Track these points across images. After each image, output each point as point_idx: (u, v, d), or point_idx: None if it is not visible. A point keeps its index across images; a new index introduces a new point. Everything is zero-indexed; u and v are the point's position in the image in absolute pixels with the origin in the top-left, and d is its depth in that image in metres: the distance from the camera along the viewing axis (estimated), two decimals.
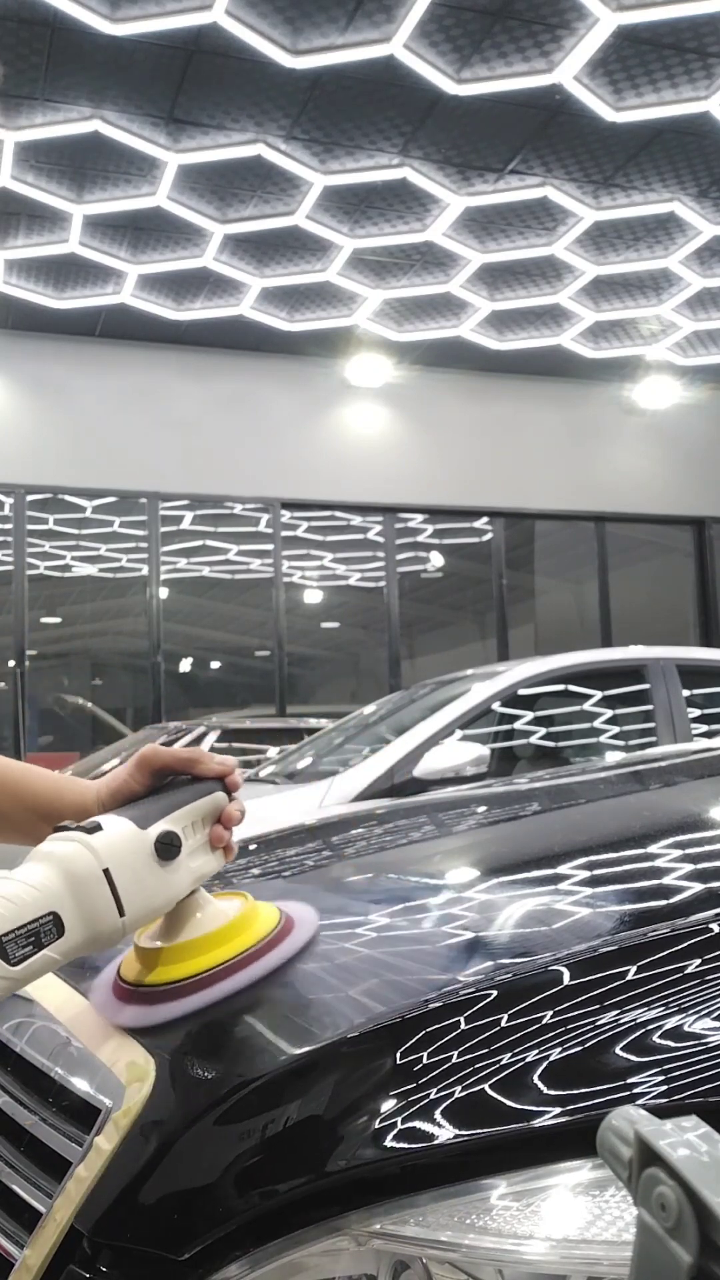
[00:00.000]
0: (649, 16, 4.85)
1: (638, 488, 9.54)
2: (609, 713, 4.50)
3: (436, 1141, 0.67)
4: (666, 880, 0.99)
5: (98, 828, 0.80)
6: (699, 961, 0.77)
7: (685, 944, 0.78)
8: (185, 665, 8.91)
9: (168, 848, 0.82)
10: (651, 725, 4.33)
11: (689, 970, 0.76)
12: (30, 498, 8.06)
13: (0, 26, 4.82)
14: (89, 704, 8.62)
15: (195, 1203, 0.67)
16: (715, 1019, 0.72)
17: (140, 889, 0.80)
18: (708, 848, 1.11)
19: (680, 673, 4.42)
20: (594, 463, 9.44)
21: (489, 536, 9.34)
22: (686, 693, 4.39)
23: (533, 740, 4.52)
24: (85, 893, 0.76)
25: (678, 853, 1.09)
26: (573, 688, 4.42)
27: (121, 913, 0.78)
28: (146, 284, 7.34)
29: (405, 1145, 0.67)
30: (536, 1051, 0.70)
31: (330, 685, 10.03)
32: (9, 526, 8.00)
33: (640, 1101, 0.67)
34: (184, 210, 6.36)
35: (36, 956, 0.73)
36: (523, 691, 4.23)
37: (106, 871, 0.78)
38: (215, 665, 9.30)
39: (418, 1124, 0.68)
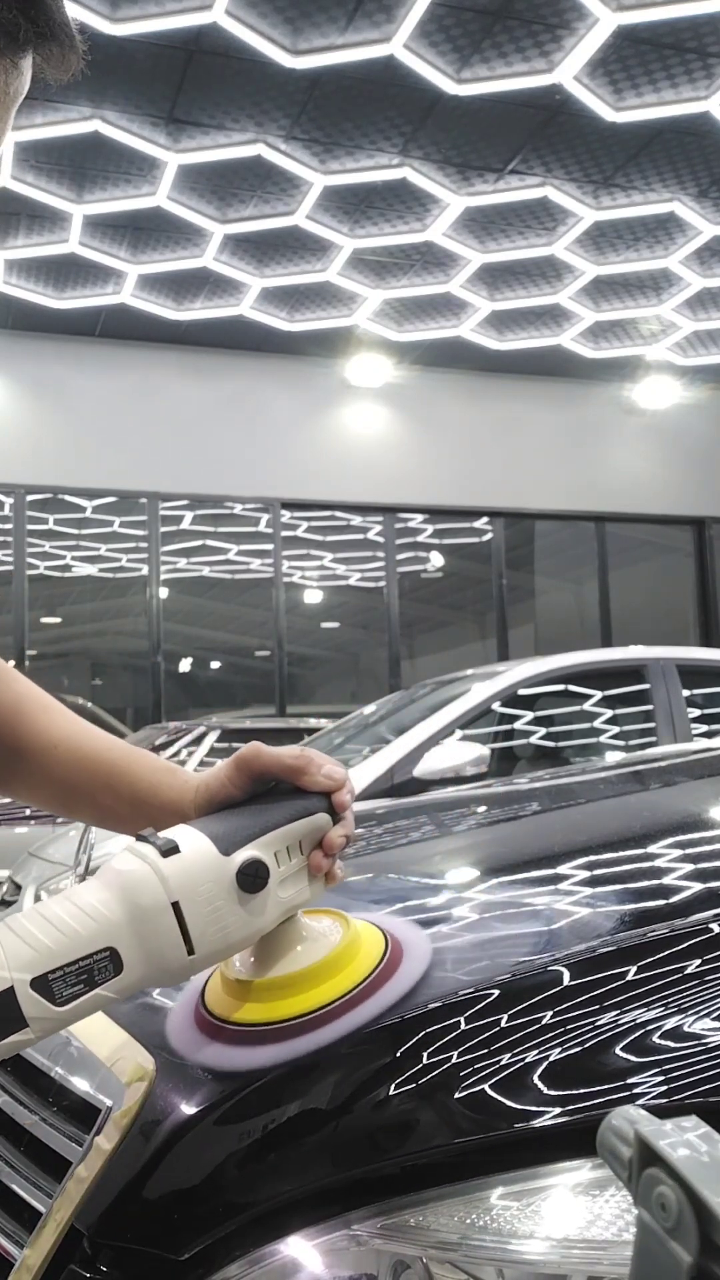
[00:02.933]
0: (649, 16, 4.85)
1: (638, 488, 9.54)
2: (609, 713, 4.51)
3: (436, 1141, 0.67)
4: (666, 880, 0.99)
5: (174, 849, 0.70)
6: (699, 961, 0.77)
7: (685, 944, 0.78)
8: (185, 665, 8.91)
9: (252, 880, 0.72)
10: (651, 725, 4.33)
11: (689, 970, 0.76)
12: (30, 498, 8.06)
13: None
14: (89, 704, 8.61)
15: (195, 1203, 0.67)
16: (715, 1019, 0.72)
17: (215, 924, 0.70)
18: (708, 848, 1.11)
19: (680, 673, 4.43)
20: (594, 463, 9.44)
21: (489, 536, 9.34)
22: (686, 693, 4.40)
23: (533, 740, 4.52)
24: (149, 927, 0.68)
25: (678, 853, 1.09)
26: (573, 688, 4.42)
27: (190, 951, 0.69)
28: (146, 284, 7.34)
29: (405, 1145, 0.67)
30: (536, 1051, 0.70)
31: (330, 685, 10.03)
32: (9, 526, 8.00)
33: (640, 1101, 0.67)
34: (184, 210, 6.36)
35: (87, 996, 0.66)
36: (523, 691, 4.23)
37: (176, 905, 0.69)
38: (215, 665, 9.30)
39: (418, 1124, 0.68)
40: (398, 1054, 0.71)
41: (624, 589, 9.64)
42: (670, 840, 1.15)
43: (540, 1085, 0.68)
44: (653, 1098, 0.67)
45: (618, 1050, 0.70)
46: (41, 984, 0.64)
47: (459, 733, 3.95)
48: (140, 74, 5.16)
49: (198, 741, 5.69)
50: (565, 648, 4.96)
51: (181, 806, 0.83)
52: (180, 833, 0.72)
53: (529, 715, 4.43)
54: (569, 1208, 0.63)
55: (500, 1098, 0.68)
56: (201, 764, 5.50)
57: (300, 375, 8.59)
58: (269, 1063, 0.72)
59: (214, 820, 0.76)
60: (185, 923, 0.69)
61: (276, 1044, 0.73)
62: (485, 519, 9.32)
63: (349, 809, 0.80)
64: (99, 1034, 0.82)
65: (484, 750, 3.79)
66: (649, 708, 4.35)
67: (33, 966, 0.64)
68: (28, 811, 5.12)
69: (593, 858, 1.11)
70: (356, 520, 9.02)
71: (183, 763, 5.48)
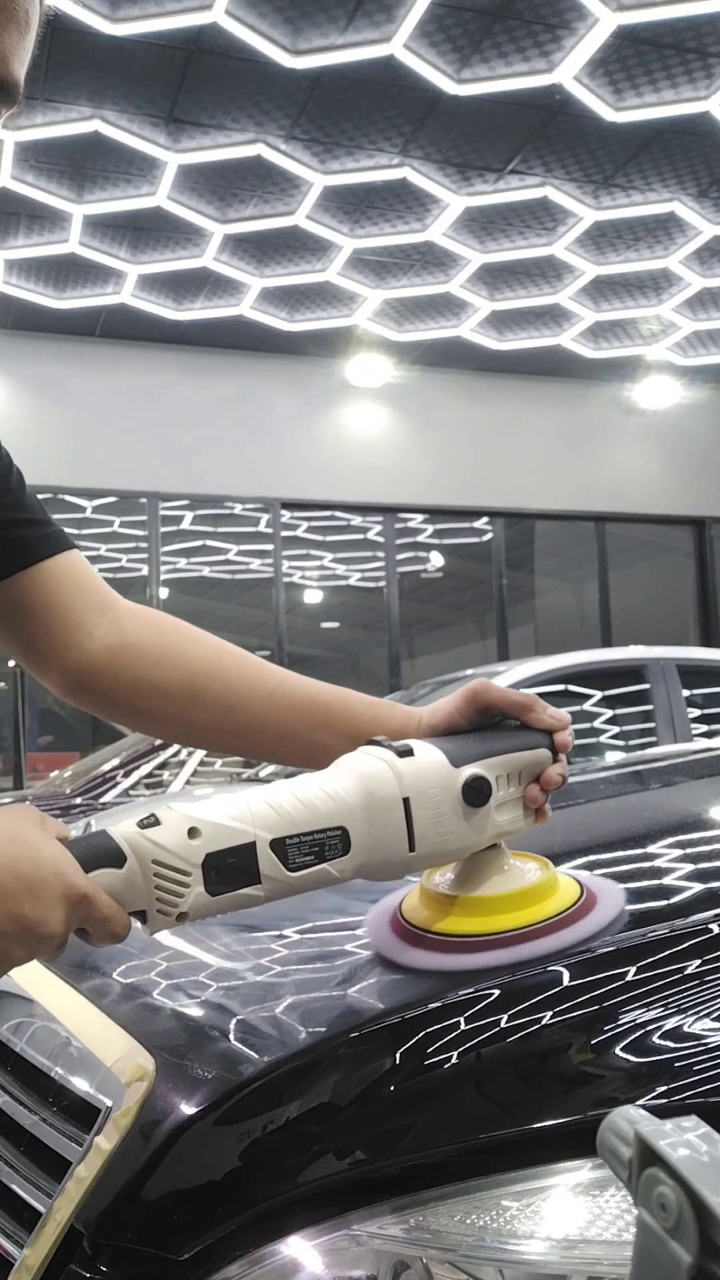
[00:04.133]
0: (649, 16, 4.85)
1: (638, 488, 9.54)
2: (609, 713, 4.51)
3: (436, 1141, 0.67)
4: (666, 880, 0.99)
5: (409, 752, 0.76)
6: (699, 961, 0.77)
7: (685, 944, 0.78)
8: None
9: (476, 793, 0.77)
10: (651, 725, 4.33)
11: (689, 970, 0.76)
12: None
13: None
14: None
15: (195, 1203, 0.67)
16: (715, 1019, 0.72)
17: (437, 828, 0.76)
18: (707, 848, 1.11)
19: (680, 673, 4.43)
20: (594, 463, 9.44)
21: (489, 536, 9.34)
22: (686, 693, 4.40)
23: None
24: (380, 817, 0.73)
25: (678, 853, 1.09)
26: (573, 688, 4.42)
27: (412, 847, 0.75)
28: (146, 284, 7.34)
29: (405, 1145, 0.67)
30: (537, 1051, 0.70)
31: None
32: None
33: (640, 1101, 0.67)
34: (184, 210, 6.36)
35: (315, 868, 0.71)
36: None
37: (406, 801, 0.74)
38: None
39: (418, 1123, 0.68)
40: (398, 1054, 0.71)
41: (624, 589, 9.64)
42: (670, 840, 1.15)
43: (540, 1085, 0.68)
44: (653, 1098, 0.67)
45: (618, 1050, 0.70)
46: (279, 846, 0.70)
47: None
48: (140, 74, 5.16)
49: None
50: (565, 648, 4.96)
51: (407, 735, 0.85)
52: (414, 742, 0.78)
53: None
54: (569, 1208, 0.63)
55: (501, 1098, 0.68)
56: (202, 764, 5.50)
57: (300, 375, 8.59)
58: (483, 965, 0.75)
59: (444, 740, 0.81)
60: (412, 819, 0.74)
61: (491, 951, 0.77)
62: (485, 519, 9.32)
63: (569, 748, 0.85)
64: (99, 1034, 0.82)
65: None
66: (649, 708, 4.36)
67: (275, 828, 0.70)
68: None
69: (593, 858, 1.11)
70: (356, 520, 9.02)
71: (183, 763, 5.48)
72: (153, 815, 0.68)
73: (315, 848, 0.71)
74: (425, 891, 0.84)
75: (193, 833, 0.68)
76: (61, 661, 0.96)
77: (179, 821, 0.68)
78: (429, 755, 0.77)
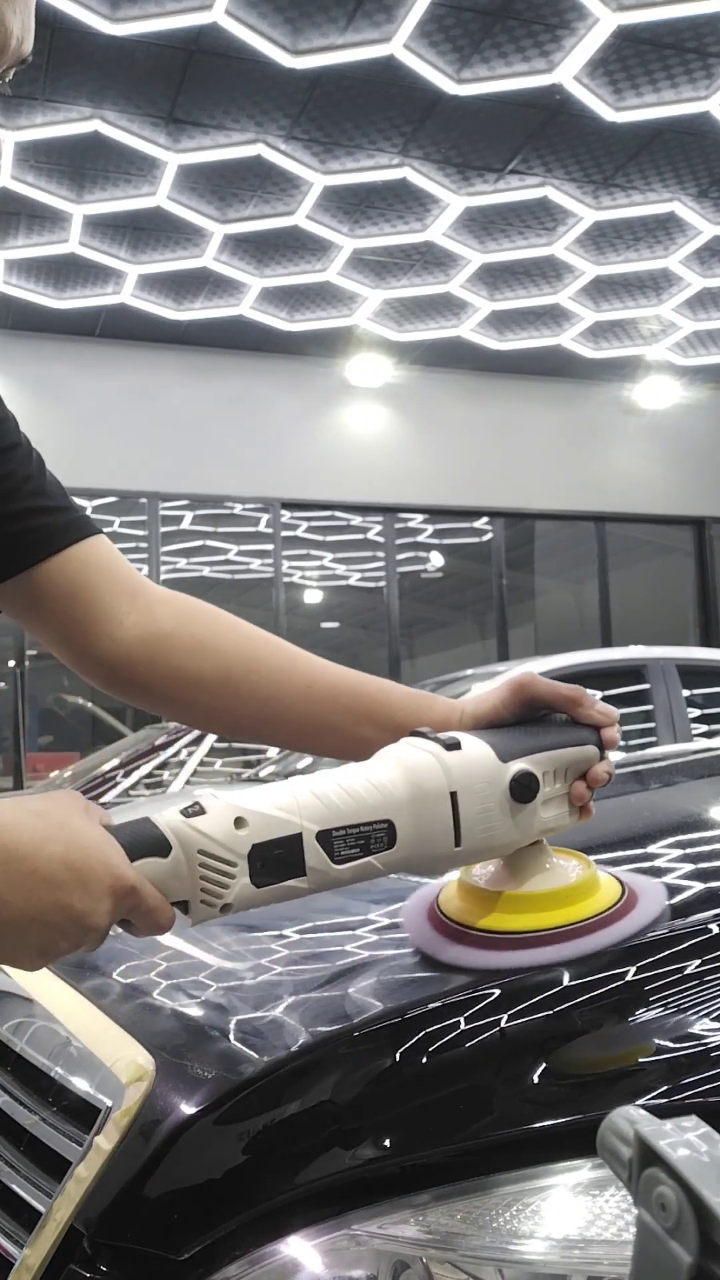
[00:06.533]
0: (649, 16, 4.85)
1: (638, 488, 9.53)
2: None
3: (437, 1141, 0.67)
4: (666, 880, 0.99)
5: (456, 745, 0.75)
6: (699, 961, 0.77)
7: (685, 944, 0.78)
8: None
9: (524, 789, 0.76)
10: (651, 725, 4.33)
11: (689, 970, 0.76)
12: None
13: None
14: (89, 704, 8.62)
15: (195, 1203, 0.67)
16: (715, 1019, 0.72)
17: (483, 823, 0.74)
18: (707, 848, 1.11)
19: (680, 673, 4.43)
20: (594, 463, 9.44)
21: (489, 536, 9.34)
22: (686, 693, 4.40)
23: None
24: (427, 811, 0.72)
25: (678, 853, 1.09)
26: None
27: (458, 842, 0.74)
28: (146, 284, 7.34)
29: (405, 1145, 0.67)
30: (537, 1051, 0.70)
31: None
32: None
33: (640, 1101, 0.67)
34: (184, 210, 6.36)
35: (360, 861, 0.70)
36: None
37: (454, 795, 0.73)
38: None
39: (418, 1124, 0.68)
40: (398, 1054, 0.71)
41: (624, 589, 9.64)
42: (670, 840, 1.15)
43: (540, 1085, 0.68)
44: (653, 1097, 0.67)
45: (618, 1050, 0.70)
46: (325, 838, 0.69)
47: None
48: (140, 74, 5.16)
49: (197, 742, 5.69)
50: (565, 648, 4.96)
51: (449, 728, 0.83)
52: (461, 735, 0.77)
53: None
54: (569, 1208, 0.63)
55: (501, 1097, 0.68)
56: (202, 764, 5.50)
57: (300, 375, 8.59)
58: (528, 963, 0.75)
59: (490, 733, 0.79)
60: (459, 814, 0.73)
61: (535, 948, 0.76)
62: (485, 519, 9.32)
63: (616, 745, 0.84)
64: (99, 1034, 0.82)
65: None
66: (649, 708, 4.35)
67: (321, 820, 0.69)
68: None
69: (592, 858, 1.11)
70: (356, 520, 9.02)
71: (183, 763, 5.48)
72: (197, 803, 0.67)
73: (361, 840, 0.70)
74: (465, 886, 0.82)
75: (239, 823, 0.67)
76: (95, 652, 0.92)
77: (226, 811, 0.67)
78: (476, 749, 0.75)
